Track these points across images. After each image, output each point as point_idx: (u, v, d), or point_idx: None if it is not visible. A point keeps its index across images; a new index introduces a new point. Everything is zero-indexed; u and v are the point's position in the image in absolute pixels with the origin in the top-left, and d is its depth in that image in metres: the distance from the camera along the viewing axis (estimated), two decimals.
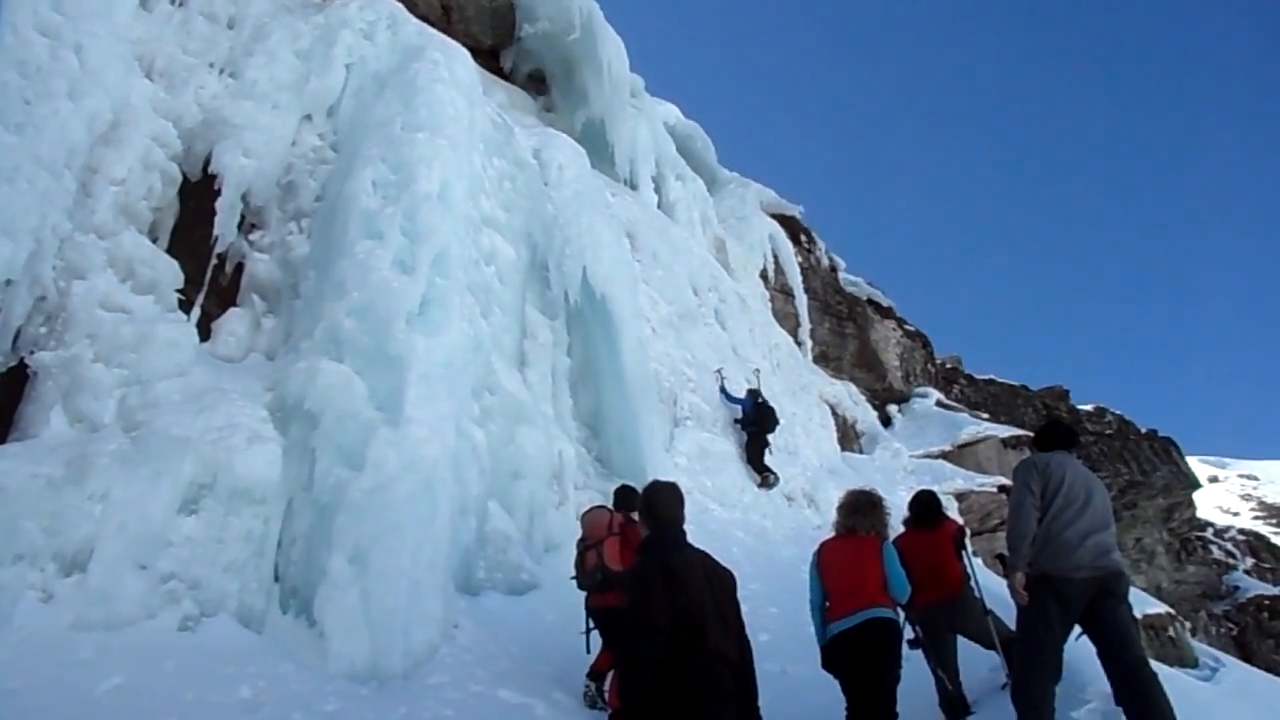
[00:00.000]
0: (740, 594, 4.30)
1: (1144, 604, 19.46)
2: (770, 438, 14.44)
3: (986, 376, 30.75)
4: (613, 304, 11.90)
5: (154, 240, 8.70)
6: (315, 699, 6.43)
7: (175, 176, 9.06)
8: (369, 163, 9.64)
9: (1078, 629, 4.99)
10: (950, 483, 18.08)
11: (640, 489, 4.55)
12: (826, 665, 5.65)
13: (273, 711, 6.17)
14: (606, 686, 7.05)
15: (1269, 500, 79.19)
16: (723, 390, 14.79)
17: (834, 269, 25.39)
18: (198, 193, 9.23)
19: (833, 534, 6.19)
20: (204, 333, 8.85)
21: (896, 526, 7.05)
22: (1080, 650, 5.19)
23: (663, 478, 4.96)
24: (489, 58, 18.61)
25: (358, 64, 11.18)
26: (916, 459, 19.52)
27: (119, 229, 8.25)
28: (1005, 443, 20.95)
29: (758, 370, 15.97)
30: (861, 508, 6.03)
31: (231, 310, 9.28)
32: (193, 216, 9.15)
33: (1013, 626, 5.56)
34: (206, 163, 9.32)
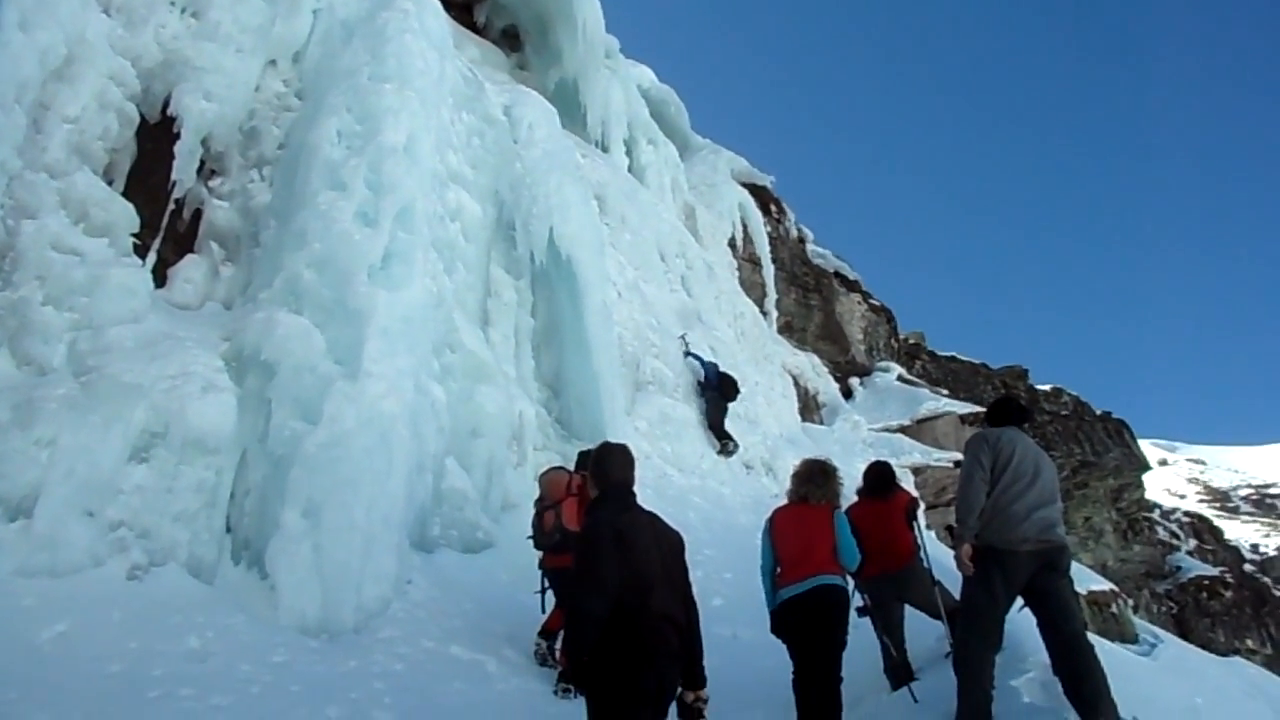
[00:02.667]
0: (695, 559, 4.34)
1: (1089, 581, 19.90)
2: (730, 406, 14.49)
3: (949, 354, 31.01)
4: (579, 266, 11.82)
5: (109, 182, 8.49)
6: (265, 651, 6.42)
7: (132, 117, 8.82)
8: (334, 112, 9.47)
9: (1020, 600, 5.08)
10: (908, 457, 18.27)
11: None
12: (775, 630, 5.72)
13: (221, 662, 6.15)
14: (558, 645, 7.11)
15: (1214, 484, 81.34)
16: (688, 354, 14.78)
17: (802, 240, 25.39)
18: (156, 135, 9.01)
19: (786, 502, 6.27)
20: (159, 279, 8.69)
21: (851, 496, 7.14)
22: (1022, 622, 5.30)
23: (617, 440, 4.96)
24: (462, 11, 18.27)
25: (325, 10, 10.93)
26: (875, 432, 19.69)
27: (72, 169, 8.03)
28: (963, 419, 21.18)
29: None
30: (814, 477, 6.10)
31: (189, 257, 9.11)
32: (150, 159, 8.93)
33: (959, 597, 5.65)
34: (165, 105, 9.09)
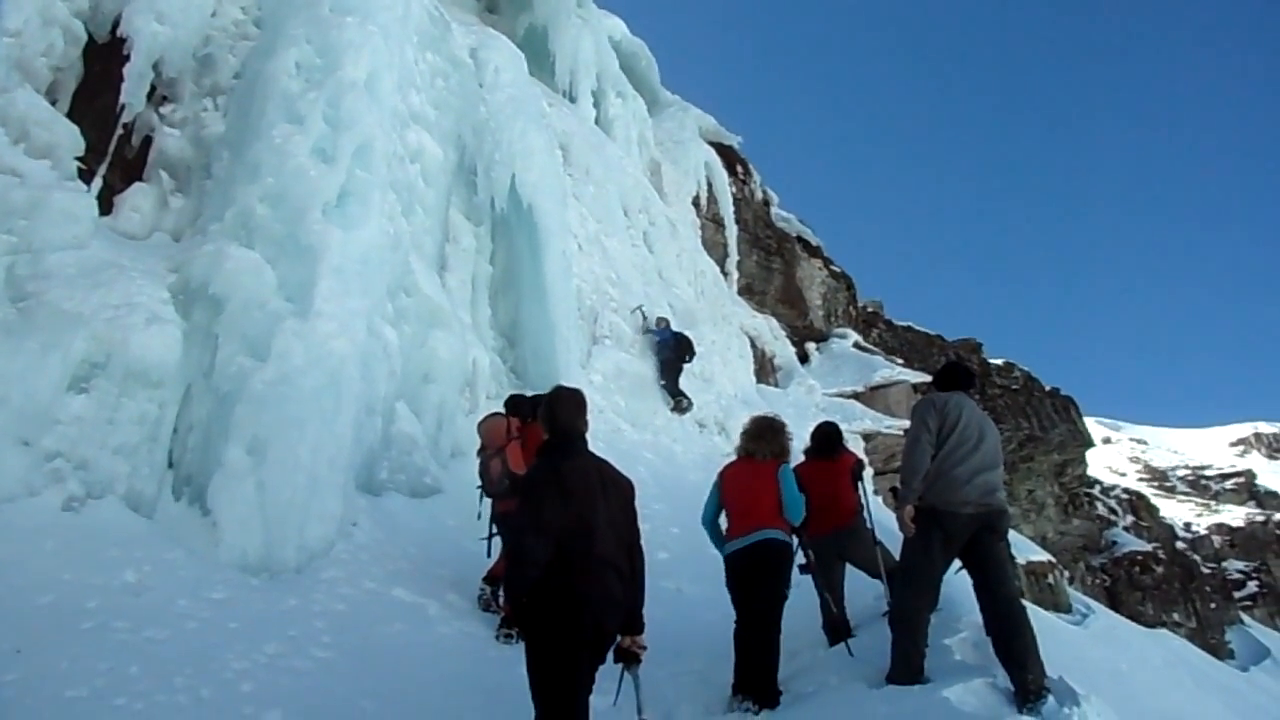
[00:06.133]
0: (643, 513, 4.34)
1: (1029, 551, 20.42)
2: (686, 366, 14.47)
3: (905, 323, 31.28)
4: (540, 215, 11.70)
5: (53, 102, 8.15)
6: (203, 587, 6.35)
7: (79, 35, 8.45)
8: (293, 43, 9.17)
9: (957, 562, 5.17)
10: (859, 423, 18.47)
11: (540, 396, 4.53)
12: (726, 581, 5.83)
13: (157, 596, 6.08)
14: (502, 591, 7.12)
15: (1154, 464, 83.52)
16: (646, 331, 14.62)
17: (767, 203, 25.35)
18: (104, 56, 8.66)
19: (735, 458, 6.32)
20: (105, 206, 8.42)
21: (799, 456, 7.19)
22: (959, 584, 5.40)
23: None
24: None
25: None
26: (829, 397, 19.84)
27: (12, 85, 7.67)
28: (916, 388, 21.37)
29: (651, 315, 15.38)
30: (763, 433, 6.18)
31: (136, 185, 8.83)
32: (98, 81, 8.60)
33: (899, 558, 5.74)
34: (115, 25, 8.71)
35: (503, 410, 7.93)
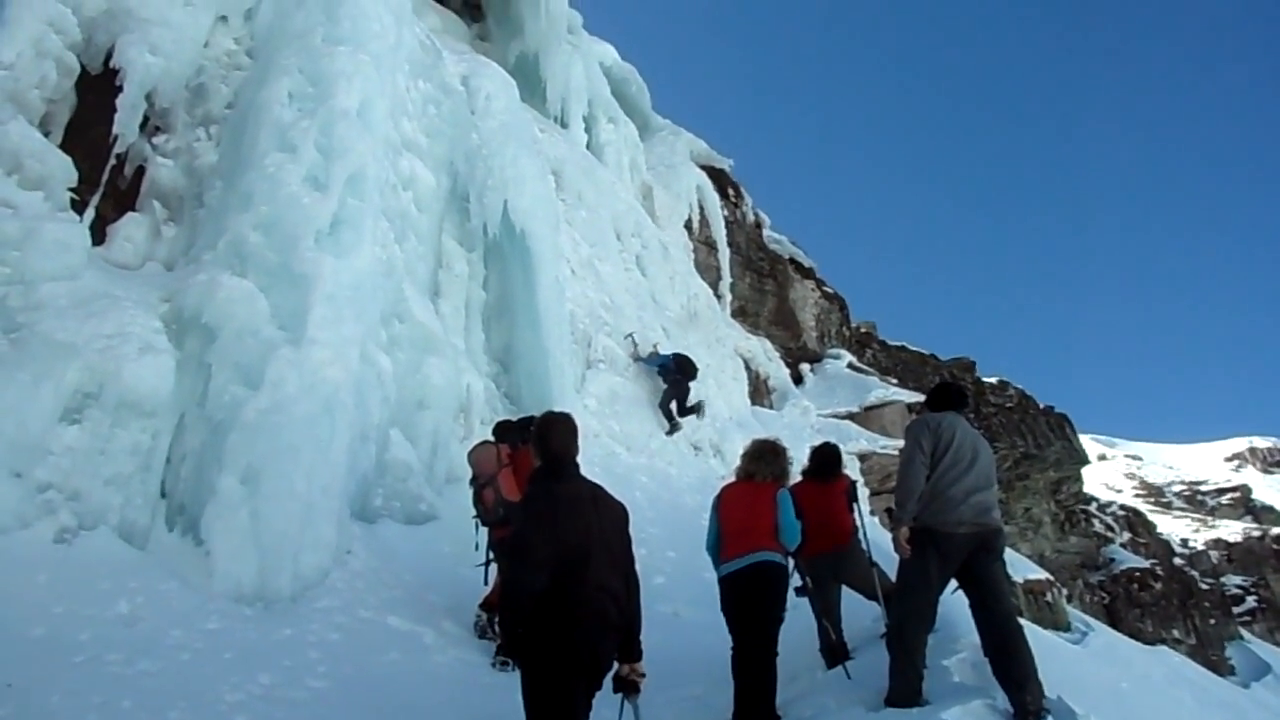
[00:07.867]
0: (639, 537, 4.33)
1: (1026, 570, 20.37)
2: (692, 385, 14.39)
3: (899, 343, 31.32)
4: (532, 240, 11.74)
5: (46, 133, 8.14)
6: (197, 617, 6.32)
7: (72, 67, 8.45)
8: (286, 73, 9.25)
9: (954, 583, 5.16)
10: (855, 443, 18.46)
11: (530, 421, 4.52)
12: (721, 605, 5.79)
13: (151, 627, 6.04)
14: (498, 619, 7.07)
15: (1150, 480, 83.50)
16: (640, 359, 14.60)
17: (759, 225, 25.45)
18: (97, 87, 8.67)
19: (734, 479, 6.31)
20: (98, 237, 8.39)
21: (797, 477, 7.18)
22: (956, 604, 5.38)
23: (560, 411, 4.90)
24: None
25: None
26: (824, 418, 19.85)
27: (6, 117, 7.67)
28: (910, 408, 21.41)
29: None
30: (764, 455, 6.17)
31: (129, 215, 8.82)
32: (91, 112, 8.60)
33: (895, 579, 5.72)
34: (108, 56, 8.73)
35: (491, 438, 7.91)
